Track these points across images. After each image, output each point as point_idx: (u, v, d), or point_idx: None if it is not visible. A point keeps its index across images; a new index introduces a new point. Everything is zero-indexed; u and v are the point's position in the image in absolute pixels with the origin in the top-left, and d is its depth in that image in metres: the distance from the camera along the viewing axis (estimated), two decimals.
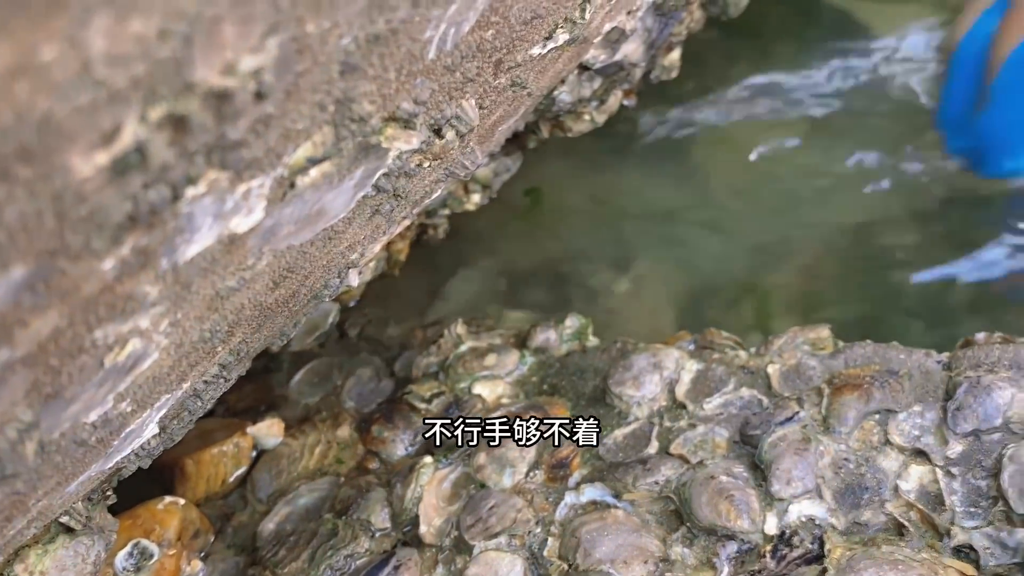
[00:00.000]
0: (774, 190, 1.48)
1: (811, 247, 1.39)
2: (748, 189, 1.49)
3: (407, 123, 0.59)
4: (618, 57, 1.05)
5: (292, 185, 0.52)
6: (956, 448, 0.79)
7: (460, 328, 1.15)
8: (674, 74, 1.34)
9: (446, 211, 1.39)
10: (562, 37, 0.78)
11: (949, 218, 1.35)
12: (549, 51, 0.79)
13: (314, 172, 0.52)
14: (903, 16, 1.63)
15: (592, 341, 1.12)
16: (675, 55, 1.29)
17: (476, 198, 1.36)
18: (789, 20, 1.62)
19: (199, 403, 0.78)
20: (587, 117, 1.22)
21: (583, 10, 0.76)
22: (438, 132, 0.69)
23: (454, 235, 1.48)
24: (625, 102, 1.45)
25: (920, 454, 0.81)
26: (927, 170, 1.40)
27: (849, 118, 1.52)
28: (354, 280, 0.84)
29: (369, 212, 0.70)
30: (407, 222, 0.87)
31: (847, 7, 1.67)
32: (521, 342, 1.13)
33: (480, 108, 0.75)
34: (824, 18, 1.65)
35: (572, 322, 1.13)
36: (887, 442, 0.83)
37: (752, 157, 1.52)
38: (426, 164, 0.71)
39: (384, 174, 0.64)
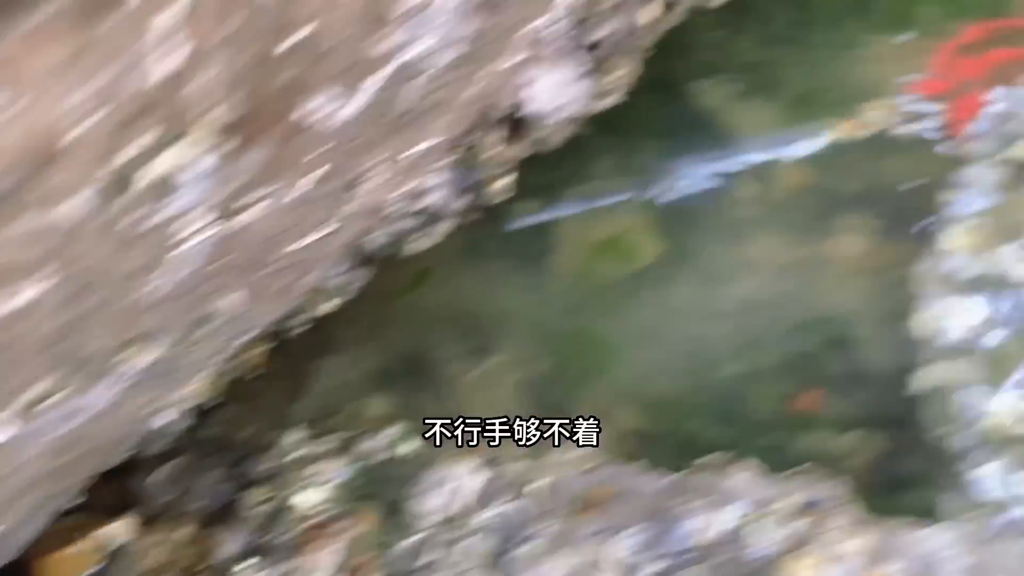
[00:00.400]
0: (629, 285, 1.63)
1: (658, 343, 1.53)
2: (604, 283, 1.64)
3: (148, 338, 0.74)
4: (424, 204, 1.21)
5: (32, 412, 0.67)
6: (656, 567, 0.96)
7: (295, 435, 1.30)
8: (508, 195, 1.49)
9: (304, 315, 1.53)
10: (330, 228, 0.93)
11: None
12: (320, 238, 0.94)
13: (52, 399, 0.67)
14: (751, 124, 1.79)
15: (409, 447, 1.27)
16: (504, 182, 1.44)
17: (330, 304, 1.51)
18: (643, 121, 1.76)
19: (21, 536, 0.92)
20: (417, 242, 1.37)
21: (340, 211, 0.91)
22: (201, 323, 0.83)
23: (318, 330, 1.62)
24: (473, 216, 1.60)
25: (632, 570, 0.98)
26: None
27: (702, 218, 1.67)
28: (161, 422, 0.98)
29: (145, 387, 0.85)
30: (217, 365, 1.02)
31: (701, 114, 1.83)
32: (347, 448, 1.28)
33: (254, 290, 0.90)
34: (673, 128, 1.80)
35: (394, 430, 1.29)
36: (607, 558, 0.99)
37: (608, 252, 1.68)
38: (196, 345, 0.86)
39: (141, 370, 0.79)
